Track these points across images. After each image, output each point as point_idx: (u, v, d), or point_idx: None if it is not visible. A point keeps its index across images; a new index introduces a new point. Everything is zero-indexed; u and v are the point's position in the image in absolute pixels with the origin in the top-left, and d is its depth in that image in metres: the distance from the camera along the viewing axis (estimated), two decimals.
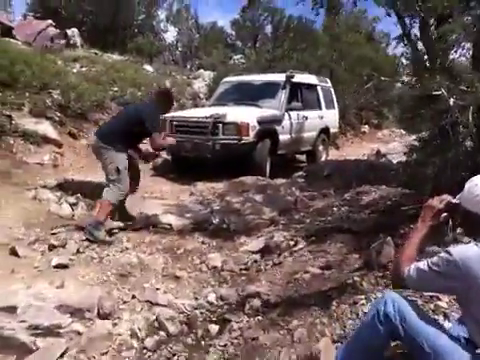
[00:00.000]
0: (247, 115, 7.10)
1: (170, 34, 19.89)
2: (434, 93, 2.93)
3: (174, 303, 3.08)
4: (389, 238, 3.27)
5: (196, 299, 3.24)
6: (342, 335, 2.39)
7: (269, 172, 7.51)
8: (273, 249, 4.02)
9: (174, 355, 2.54)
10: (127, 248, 3.98)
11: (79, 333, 2.67)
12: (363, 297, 2.72)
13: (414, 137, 12.68)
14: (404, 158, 9.48)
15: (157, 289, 3.32)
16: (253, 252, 4.11)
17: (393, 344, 2.03)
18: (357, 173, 7.34)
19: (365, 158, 9.61)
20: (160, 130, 4.72)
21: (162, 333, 2.76)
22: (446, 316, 2.31)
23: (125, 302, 3.11)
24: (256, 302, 2.96)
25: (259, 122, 6.98)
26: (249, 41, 16.72)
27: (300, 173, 7.95)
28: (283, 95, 7.91)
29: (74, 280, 3.22)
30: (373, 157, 10.28)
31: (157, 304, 3.10)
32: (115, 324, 2.86)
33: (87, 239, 4.02)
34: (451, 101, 2.85)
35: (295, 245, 3.97)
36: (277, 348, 2.41)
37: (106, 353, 2.54)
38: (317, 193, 6.58)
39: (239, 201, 6.08)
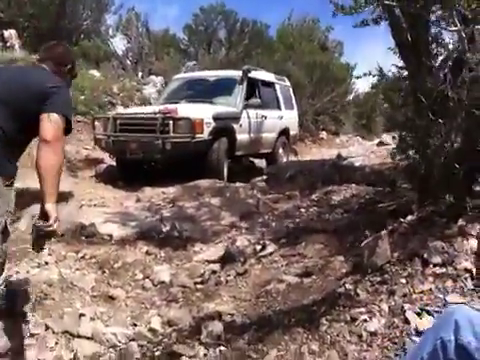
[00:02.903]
0: (201, 111, 6.32)
1: (118, 40, 18.78)
2: None
3: (102, 333, 2.21)
4: (384, 232, 2.57)
5: (134, 326, 2.39)
6: None
7: (226, 177, 6.74)
8: (236, 256, 3.23)
9: None
10: (47, 263, 3.07)
11: None
12: (363, 310, 1.99)
13: (377, 141, 12.27)
14: (366, 162, 9.06)
15: (81, 315, 2.44)
16: (211, 261, 3.31)
17: None
18: (322, 174, 6.74)
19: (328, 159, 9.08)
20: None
21: None
22: None
23: (34, 335, 2.22)
24: (216, 326, 2.15)
25: (214, 118, 6.21)
26: (203, 46, 16.05)
27: (260, 178, 7.27)
28: (240, 91, 7.20)
29: None
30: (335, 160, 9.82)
31: (78, 336, 2.23)
32: None
33: None
34: None
35: (262, 249, 3.20)
36: None
37: None
38: (281, 195, 5.90)
39: (193, 206, 5.28)
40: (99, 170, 7.31)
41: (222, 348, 1.98)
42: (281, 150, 8.68)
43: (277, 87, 8.66)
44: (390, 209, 3.95)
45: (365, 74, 3.21)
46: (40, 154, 1.88)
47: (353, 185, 5.61)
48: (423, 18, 3.14)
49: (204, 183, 6.04)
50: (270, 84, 8.44)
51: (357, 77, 3.30)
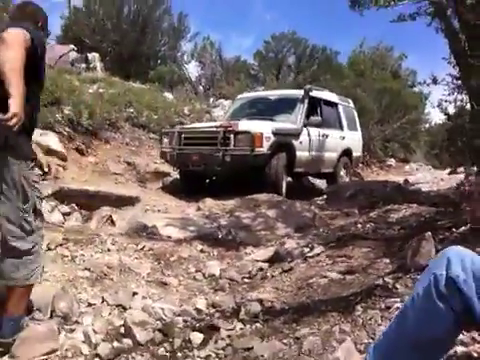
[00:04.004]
0: (261, 125, 6.53)
1: (192, 66, 19.77)
2: None
3: (151, 307, 2.41)
4: (429, 233, 2.56)
5: (181, 306, 2.56)
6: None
7: (285, 194, 6.81)
8: (284, 256, 3.33)
9: None
10: (109, 250, 3.36)
11: None
12: (398, 300, 2.01)
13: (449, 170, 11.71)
14: (434, 188, 8.72)
15: (135, 294, 2.66)
16: (260, 261, 3.43)
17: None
18: (384, 194, 6.63)
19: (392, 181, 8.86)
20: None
21: (127, 340, 2.08)
22: None
23: (90, 305, 2.46)
24: (255, 306, 2.26)
25: (274, 133, 6.38)
26: (271, 72, 16.45)
27: (321, 197, 7.27)
28: (301, 109, 7.33)
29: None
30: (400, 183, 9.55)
31: (130, 308, 2.44)
32: (72, 330, 2.21)
33: None
34: None
35: (310, 251, 3.27)
36: None
37: None
38: (339, 212, 5.88)
39: (250, 216, 5.44)
40: (166, 182, 7.73)
41: (258, 325, 2.09)
42: (343, 171, 8.63)
43: (340, 107, 8.69)
44: (448, 225, 3.87)
45: (420, 83, 3.25)
46: None
47: (414, 205, 5.48)
48: None
49: (262, 197, 6.18)
50: (333, 104, 8.49)
51: (411, 87, 3.33)
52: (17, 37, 1.84)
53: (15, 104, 1.75)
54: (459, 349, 1.43)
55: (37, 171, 2.14)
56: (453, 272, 1.09)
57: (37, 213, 2.04)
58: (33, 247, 2.00)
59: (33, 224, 2.00)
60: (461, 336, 1.43)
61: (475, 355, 1.42)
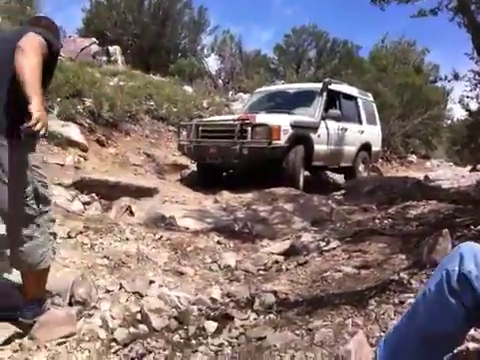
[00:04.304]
0: (279, 118, 6.52)
1: (212, 60, 19.78)
2: None
3: (167, 295, 2.46)
4: (446, 230, 2.54)
5: (197, 295, 2.60)
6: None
7: (303, 188, 6.79)
8: (299, 250, 3.35)
9: (150, 352, 1.90)
10: (128, 239, 3.42)
11: None
12: (412, 295, 2.01)
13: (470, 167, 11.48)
14: (454, 185, 8.60)
15: (151, 282, 2.72)
16: (275, 253, 3.45)
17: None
18: (403, 190, 6.56)
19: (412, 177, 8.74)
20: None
21: (143, 327, 2.13)
22: None
23: (108, 291, 2.53)
24: (269, 297, 2.29)
25: (292, 126, 6.36)
26: (291, 66, 16.35)
27: (339, 192, 7.23)
28: (319, 102, 7.28)
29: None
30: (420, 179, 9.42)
31: (147, 296, 2.50)
32: (90, 315, 2.27)
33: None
34: None
35: (326, 245, 3.28)
36: (289, 351, 1.74)
37: (62, 343, 1.94)
38: (357, 207, 5.84)
39: (267, 210, 5.46)
40: (184, 174, 7.81)
41: (272, 316, 2.12)
42: (361, 166, 8.54)
43: (359, 101, 8.58)
44: (467, 223, 3.82)
45: (441, 79, 3.21)
46: (16, 62, 1.84)
47: (433, 201, 5.41)
48: None
49: (280, 190, 6.19)
50: (352, 98, 8.39)
51: (433, 82, 3.29)
52: (35, 44, 1.90)
53: (36, 109, 1.75)
54: (471, 345, 1.43)
55: (39, 155, 2.15)
56: (466, 268, 1.09)
57: (41, 198, 2.04)
58: (39, 231, 1.99)
59: (35, 208, 1.99)
60: (473, 332, 1.44)
61: None
